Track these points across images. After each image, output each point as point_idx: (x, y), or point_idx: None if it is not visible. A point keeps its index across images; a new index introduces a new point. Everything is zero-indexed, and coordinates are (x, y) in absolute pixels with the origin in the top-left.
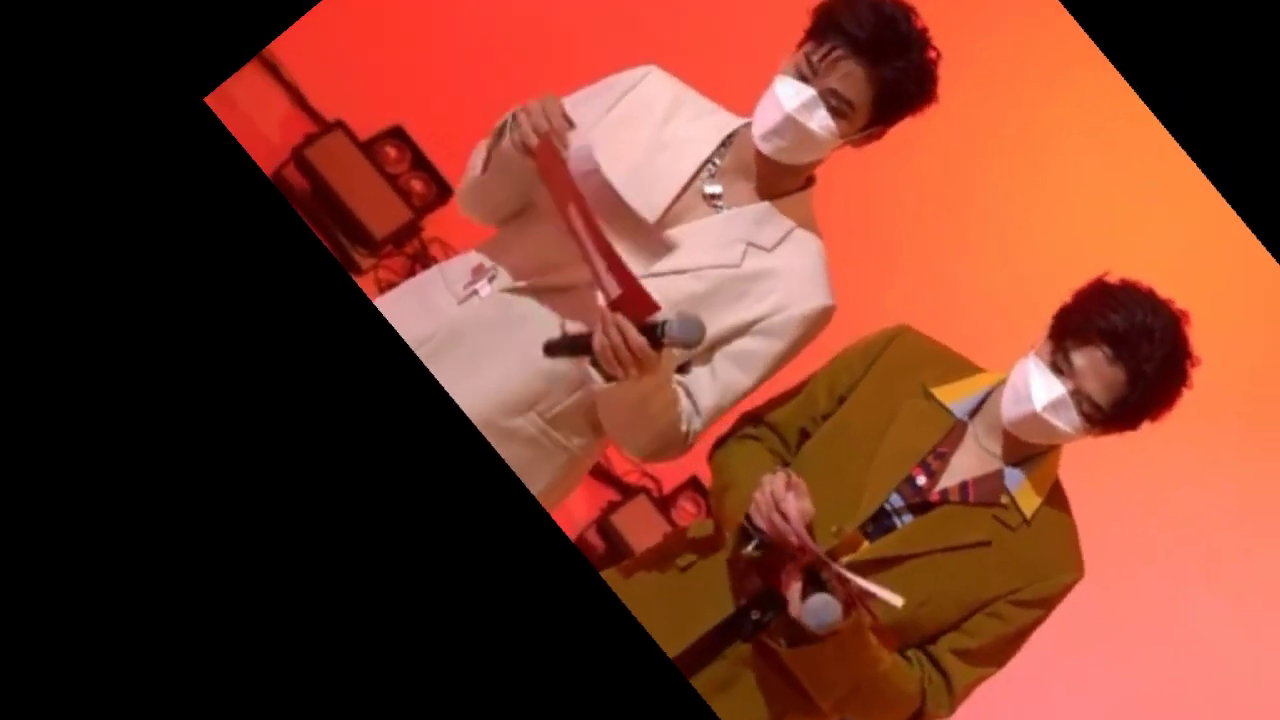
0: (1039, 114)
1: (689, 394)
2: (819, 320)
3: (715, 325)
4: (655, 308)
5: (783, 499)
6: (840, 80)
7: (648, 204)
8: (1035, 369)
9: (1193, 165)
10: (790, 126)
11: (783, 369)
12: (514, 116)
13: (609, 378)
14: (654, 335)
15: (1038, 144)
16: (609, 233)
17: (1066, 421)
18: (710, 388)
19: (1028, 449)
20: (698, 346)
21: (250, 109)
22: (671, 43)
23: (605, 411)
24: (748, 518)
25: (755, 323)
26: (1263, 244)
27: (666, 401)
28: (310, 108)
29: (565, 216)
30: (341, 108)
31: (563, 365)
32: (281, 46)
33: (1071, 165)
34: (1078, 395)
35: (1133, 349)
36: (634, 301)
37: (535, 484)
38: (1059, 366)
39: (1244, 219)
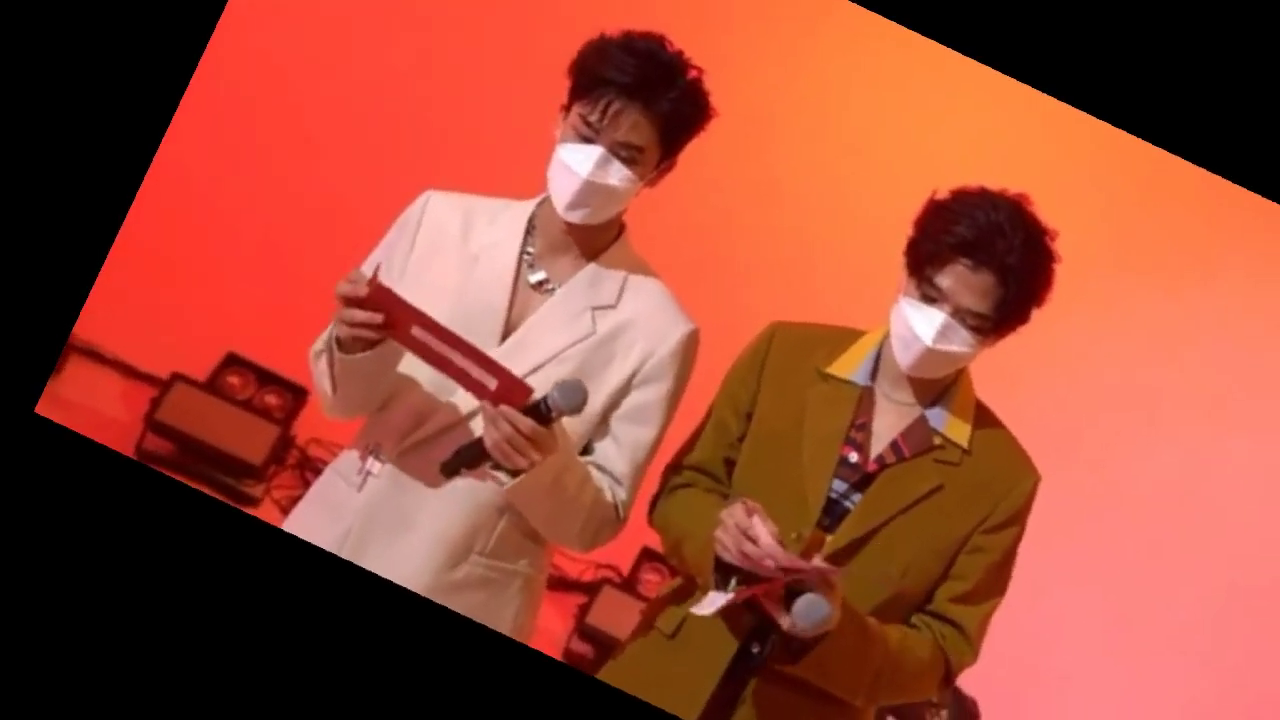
0: (835, 83)
1: (602, 469)
2: (688, 347)
3: (596, 394)
4: (530, 389)
5: (748, 526)
6: (624, 130)
7: (487, 331)
8: (910, 308)
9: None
10: (590, 190)
11: (680, 404)
12: (332, 328)
13: (515, 472)
14: (540, 413)
15: (840, 108)
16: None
17: (960, 343)
18: (619, 454)
19: (938, 385)
20: (584, 408)
21: (85, 399)
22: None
23: (529, 509)
24: (718, 559)
25: (633, 376)
26: (1073, 106)
27: (580, 477)
28: (142, 373)
29: (413, 342)
30: (170, 360)
31: (483, 495)
32: (85, 327)
33: (878, 111)
34: (958, 314)
35: (989, 249)
36: (511, 390)
37: (503, 621)
38: (929, 296)
39: (1043, 90)
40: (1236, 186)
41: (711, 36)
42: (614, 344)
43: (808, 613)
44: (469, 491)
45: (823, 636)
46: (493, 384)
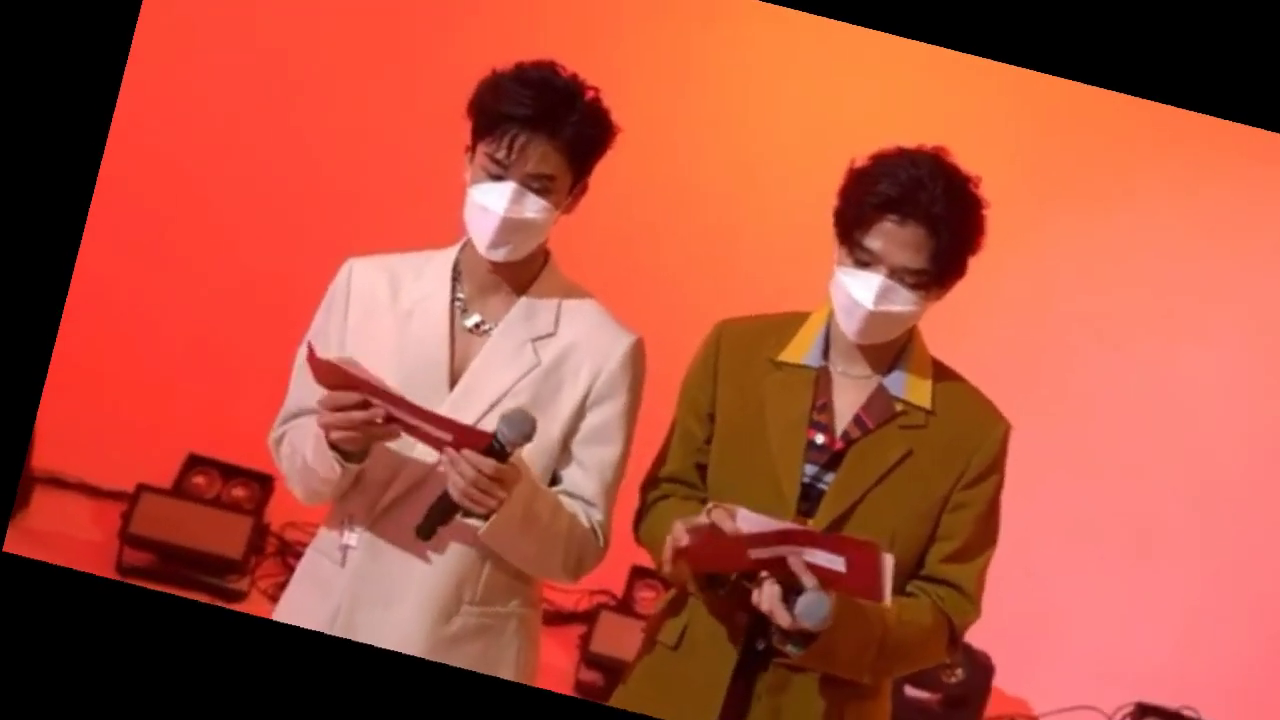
0: (730, 74)
1: (573, 495)
2: (635, 358)
3: (553, 422)
4: (488, 436)
5: (713, 524)
6: (533, 162)
7: (434, 383)
8: (846, 277)
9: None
10: (509, 226)
11: (639, 415)
12: (299, 433)
13: (487, 513)
14: (494, 451)
15: (739, 98)
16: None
17: (902, 302)
18: (586, 477)
19: (891, 350)
20: (534, 434)
21: (57, 527)
22: None
23: (508, 548)
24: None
25: (585, 398)
26: (966, 53)
27: (552, 505)
28: (108, 491)
29: (390, 421)
30: (133, 473)
31: (463, 546)
32: (42, 457)
33: (777, 94)
34: (895, 274)
35: (914, 202)
36: (467, 440)
37: (506, 665)
38: (863, 260)
39: (935, 43)
40: (1141, 100)
41: (599, 50)
42: (561, 370)
43: (811, 612)
44: (448, 545)
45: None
46: (449, 437)
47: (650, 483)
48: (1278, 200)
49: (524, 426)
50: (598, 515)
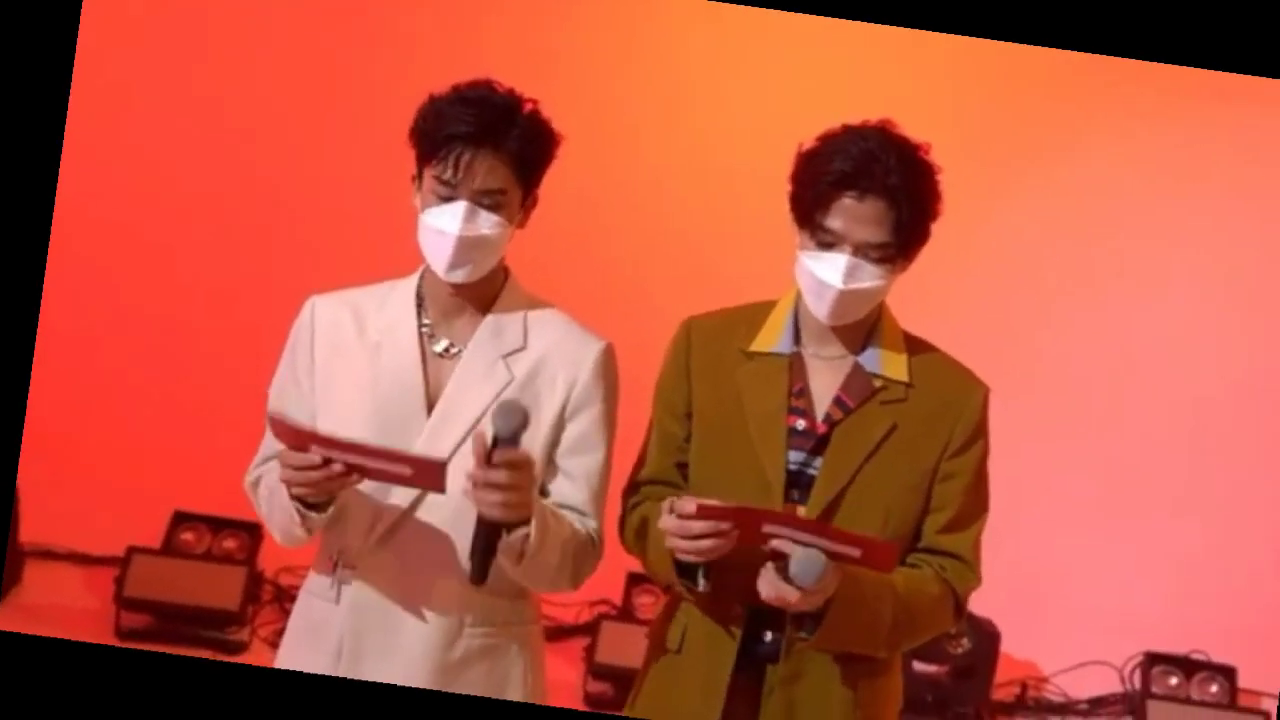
0: (672, 70)
1: (564, 506)
2: (607, 364)
3: (534, 437)
4: (443, 462)
5: (676, 512)
6: (481, 178)
7: (411, 411)
8: (810, 260)
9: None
10: (465, 245)
11: (617, 418)
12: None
13: (521, 516)
14: (496, 446)
15: (681, 94)
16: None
17: (869, 278)
18: (574, 487)
19: (862, 328)
20: (528, 419)
21: (52, 599)
22: None
23: (531, 573)
24: (675, 561)
25: (563, 409)
26: (898, 26)
27: (555, 513)
28: (99, 557)
29: (349, 471)
30: (121, 536)
31: (457, 571)
32: (30, 531)
33: (718, 87)
34: (860, 250)
35: (869, 176)
36: (426, 472)
37: (514, 684)
38: (825, 241)
39: (867, 20)
40: (1073, 53)
41: (534, 61)
42: (536, 383)
43: (806, 569)
44: (446, 564)
45: (829, 606)
46: (408, 471)
47: (631, 488)
48: (1223, 137)
49: (515, 418)
50: (592, 523)
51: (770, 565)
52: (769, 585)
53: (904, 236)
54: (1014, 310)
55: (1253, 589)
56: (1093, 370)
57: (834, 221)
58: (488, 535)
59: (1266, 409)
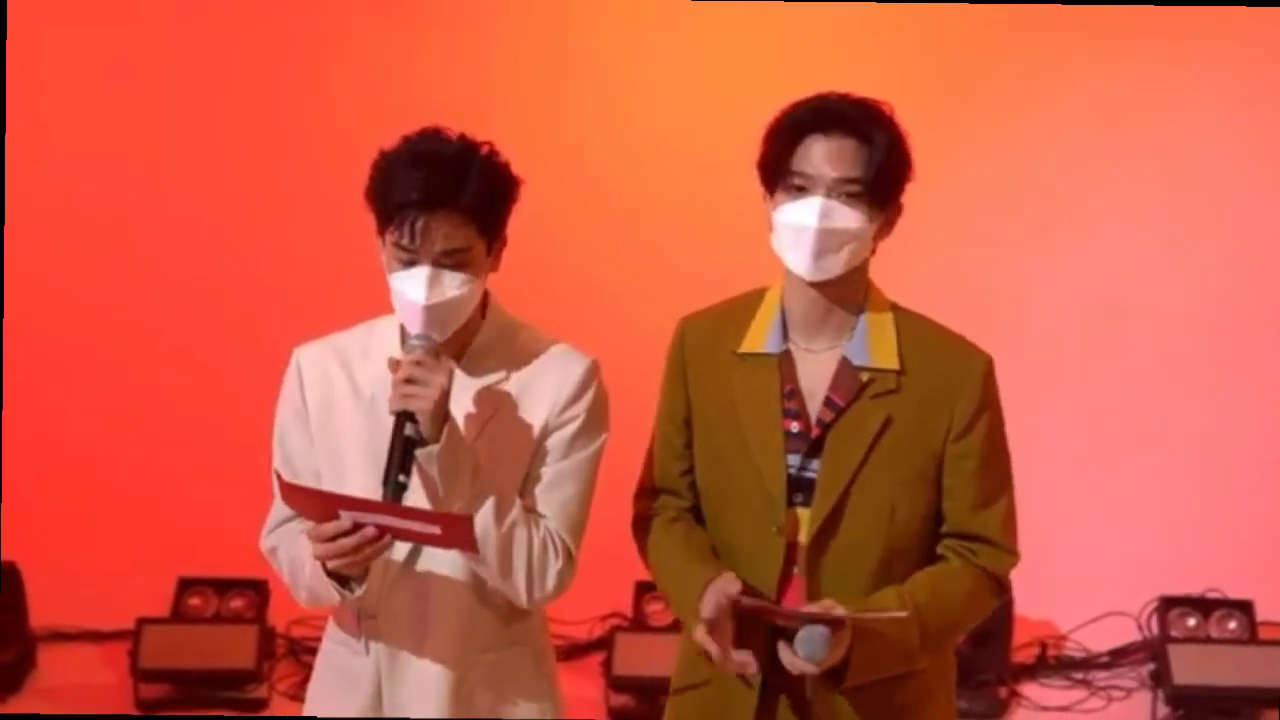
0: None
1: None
2: (590, 378)
3: (516, 463)
4: (468, 520)
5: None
6: (440, 241)
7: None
8: (783, 213)
9: None
10: (436, 311)
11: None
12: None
13: (430, 407)
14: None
15: (637, 93)
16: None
17: (846, 219)
18: (550, 511)
19: (848, 307)
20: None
21: (70, 679)
22: None
23: (455, 488)
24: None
25: (546, 426)
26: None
27: (479, 462)
28: (110, 632)
29: (381, 535)
30: (129, 609)
31: (463, 598)
32: (39, 615)
33: (669, 83)
34: (835, 187)
35: (836, 115)
36: (453, 527)
37: (535, 707)
38: (798, 186)
39: None
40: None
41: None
42: (521, 408)
43: (810, 648)
44: (453, 599)
45: (850, 658)
46: (438, 531)
47: (640, 493)
48: (1174, 71)
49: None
50: (564, 535)
51: (782, 647)
52: (790, 664)
53: (874, 174)
54: (996, 264)
55: (1261, 520)
56: (1068, 315)
57: (803, 163)
58: (398, 448)
59: (1252, 336)
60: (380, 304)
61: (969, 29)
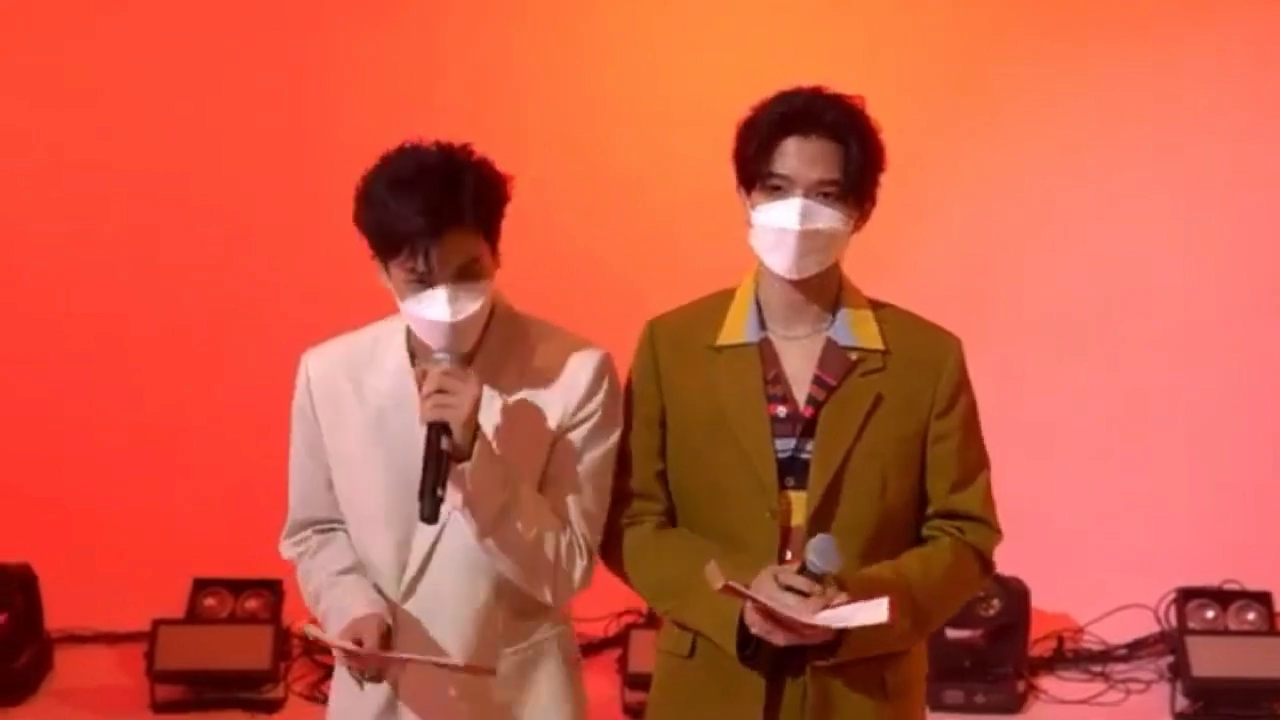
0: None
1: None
2: (603, 372)
3: (532, 458)
4: (490, 669)
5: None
6: (454, 258)
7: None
8: (763, 214)
9: None
10: (460, 327)
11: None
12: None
13: (460, 455)
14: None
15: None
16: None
17: (826, 219)
18: (564, 501)
19: (824, 299)
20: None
21: (86, 681)
22: None
23: (505, 552)
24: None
25: (560, 426)
26: None
27: (517, 474)
28: (125, 634)
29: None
30: (144, 611)
31: (481, 595)
32: (54, 618)
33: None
34: (811, 192)
35: (811, 116)
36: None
37: (556, 706)
38: (775, 187)
39: None
40: None
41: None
42: (534, 403)
43: (823, 557)
44: (471, 599)
45: (842, 637)
46: (460, 663)
47: (619, 497)
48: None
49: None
50: (587, 534)
51: (769, 574)
52: (771, 622)
53: (852, 174)
54: (989, 254)
55: (1278, 511)
56: (1085, 307)
57: (781, 165)
58: (431, 462)
59: (1271, 328)
60: (389, 301)
61: (969, 25)
